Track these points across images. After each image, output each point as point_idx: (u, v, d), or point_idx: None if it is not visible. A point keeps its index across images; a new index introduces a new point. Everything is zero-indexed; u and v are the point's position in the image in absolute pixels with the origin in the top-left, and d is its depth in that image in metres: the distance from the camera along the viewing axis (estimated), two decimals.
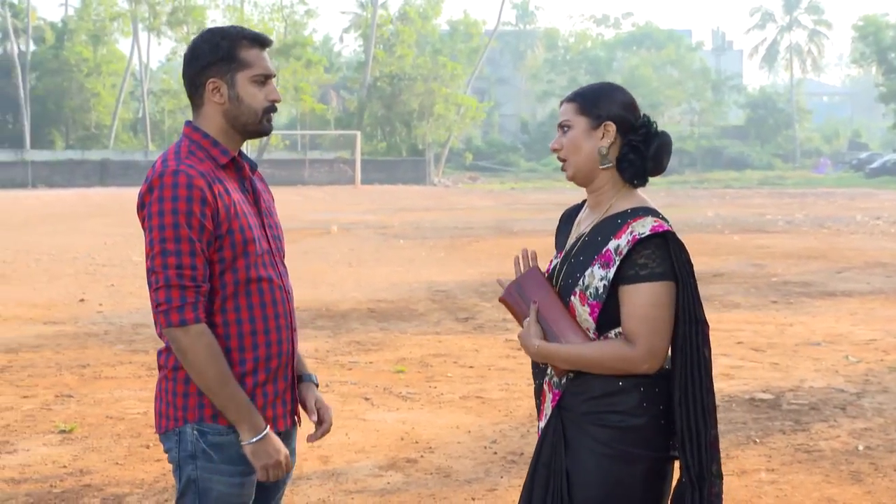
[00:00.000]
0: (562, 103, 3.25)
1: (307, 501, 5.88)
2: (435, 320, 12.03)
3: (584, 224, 3.26)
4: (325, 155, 69.07)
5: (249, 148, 65.03)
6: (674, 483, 3.16)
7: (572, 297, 3.11)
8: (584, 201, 3.35)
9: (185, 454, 3.11)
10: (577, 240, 3.22)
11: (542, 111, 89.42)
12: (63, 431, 7.23)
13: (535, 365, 3.30)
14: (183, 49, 72.89)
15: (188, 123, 3.21)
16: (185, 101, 69.62)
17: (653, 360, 3.02)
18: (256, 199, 3.25)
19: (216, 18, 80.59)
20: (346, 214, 32.33)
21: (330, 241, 22.74)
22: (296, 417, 3.32)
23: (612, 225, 3.11)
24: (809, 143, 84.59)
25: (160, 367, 3.17)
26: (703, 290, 14.12)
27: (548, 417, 3.20)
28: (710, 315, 11.76)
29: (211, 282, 3.07)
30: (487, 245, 21.57)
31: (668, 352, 3.06)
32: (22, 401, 8.20)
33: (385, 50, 72.56)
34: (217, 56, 3.13)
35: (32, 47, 72.57)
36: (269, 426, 3.10)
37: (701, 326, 3.07)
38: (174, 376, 3.12)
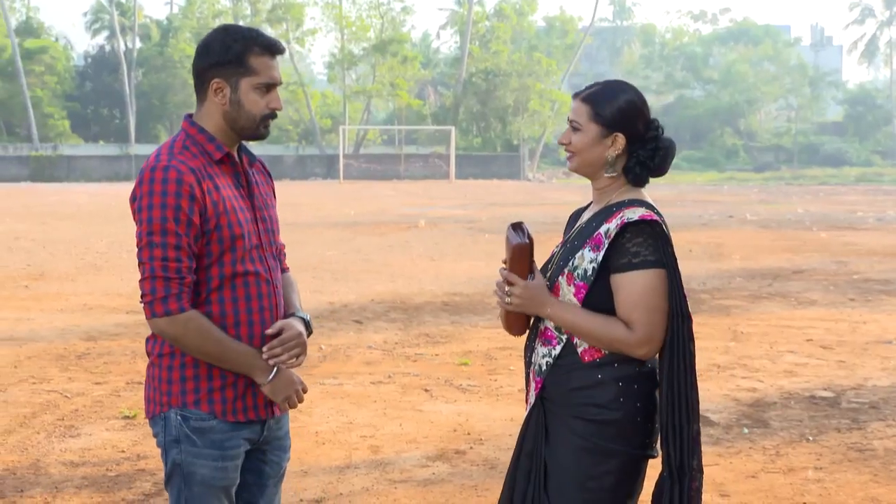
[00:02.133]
0: (575, 97, 3.29)
1: (351, 490, 5.99)
2: None
3: (585, 216, 3.34)
4: (420, 150, 69.43)
5: (346, 141, 65.68)
6: (650, 483, 3.21)
7: (560, 278, 3.18)
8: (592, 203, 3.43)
9: (171, 438, 3.23)
10: (576, 228, 3.30)
11: None
12: (126, 417, 7.46)
13: (525, 354, 3.36)
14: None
15: (187, 117, 3.31)
16: (285, 96, 70.57)
17: (649, 346, 3.08)
18: (251, 192, 3.35)
19: (315, 16, 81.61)
20: (436, 209, 32.48)
21: (416, 235, 22.88)
22: (277, 408, 3.39)
23: (606, 212, 3.19)
24: None
25: (147, 354, 3.31)
26: (781, 287, 14.07)
27: (530, 406, 3.26)
28: (783, 312, 11.78)
29: (197, 274, 3.18)
30: None
31: (663, 338, 3.10)
32: (94, 387, 8.46)
33: (481, 46, 72.68)
34: (226, 57, 3.21)
35: (138, 44, 74.21)
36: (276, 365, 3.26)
37: (687, 321, 3.11)
38: (159, 363, 3.25)
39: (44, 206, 33.94)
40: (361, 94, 72.76)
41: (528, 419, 3.27)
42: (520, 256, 3.19)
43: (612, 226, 3.10)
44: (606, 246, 3.09)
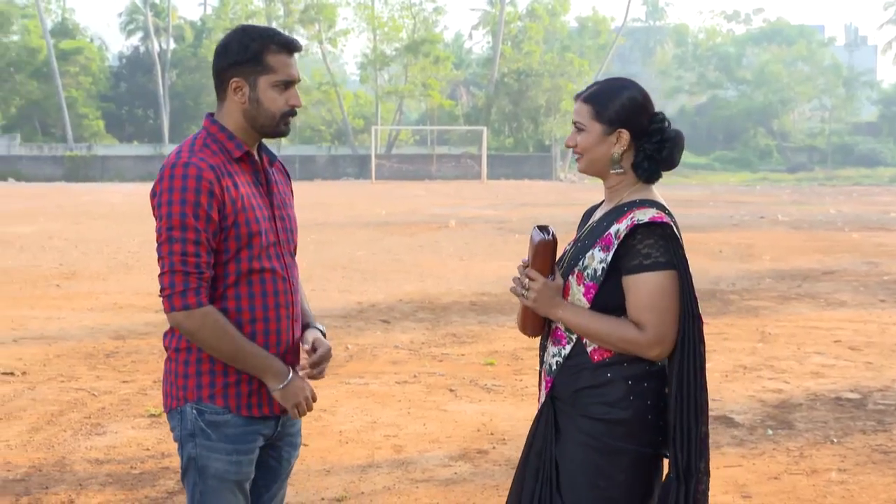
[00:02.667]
0: (576, 98, 3.31)
1: (373, 489, 6.01)
2: None
3: (598, 215, 3.34)
4: (452, 150, 69.51)
5: (379, 141, 65.88)
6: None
7: (570, 277, 3.18)
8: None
9: (186, 432, 3.26)
10: (587, 226, 3.31)
11: (670, 107, 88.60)
12: (152, 415, 7.51)
13: (539, 353, 3.37)
14: (315, 47, 74.51)
15: (208, 116, 3.35)
16: (315, 97, 70.98)
17: (661, 347, 3.07)
18: (270, 191, 3.38)
19: (347, 16, 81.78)
20: (467, 209, 32.49)
21: (446, 235, 22.91)
22: None
23: (618, 212, 3.19)
24: None
25: (165, 349, 3.34)
26: (811, 288, 13.99)
27: (541, 408, 3.26)
28: (812, 313, 11.70)
29: (215, 270, 3.21)
30: None
31: (676, 339, 3.08)
32: (121, 385, 8.53)
33: (513, 46, 72.74)
34: (244, 57, 3.25)
35: (172, 45, 74.74)
36: (291, 371, 3.29)
37: (698, 322, 3.11)
38: (176, 357, 3.28)
39: (77, 205, 34.20)
40: (394, 95, 72.95)
41: (538, 418, 3.28)
42: (543, 253, 3.19)
43: (622, 227, 3.10)
44: (616, 247, 3.09)
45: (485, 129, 63.90)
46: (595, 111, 3.21)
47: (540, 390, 3.33)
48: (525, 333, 3.35)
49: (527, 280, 3.20)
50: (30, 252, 19.02)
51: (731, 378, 8.71)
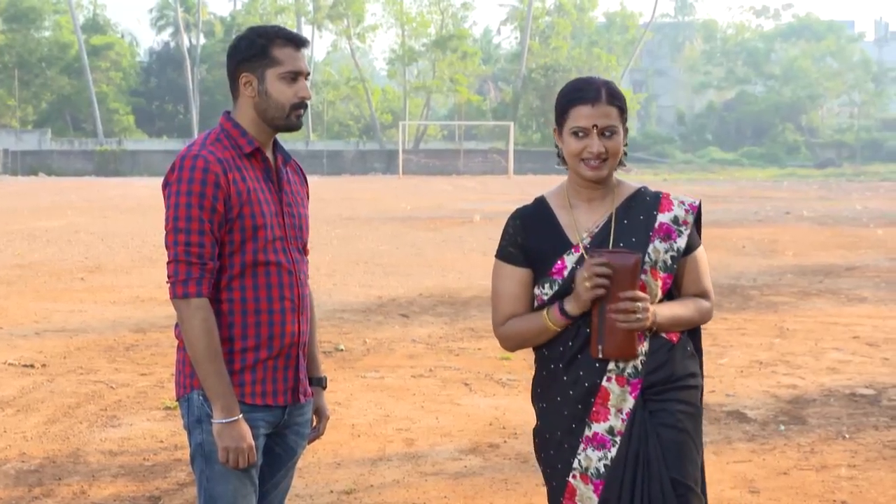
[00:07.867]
0: (592, 102, 3.14)
1: (382, 482, 6.05)
2: None
3: (590, 218, 3.26)
4: (480, 145, 69.57)
5: (407, 137, 66.07)
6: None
7: (643, 276, 3.16)
8: (537, 202, 3.43)
9: (193, 419, 3.32)
10: (604, 228, 3.23)
11: (699, 102, 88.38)
12: (168, 408, 7.58)
13: (588, 365, 3.24)
14: (344, 43, 74.66)
15: (224, 113, 3.45)
16: (344, 92, 71.18)
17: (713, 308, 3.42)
18: (280, 188, 3.44)
19: (375, 11, 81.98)
20: (493, 204, 32.47)
21: (470, 230, 22.94)
22: (300, 395, 3.47)
23: (642, 203, 3.26)
24: None
25: (177, 338, 3.39)
26: (832, 284, 13.93)
27: (633, 412, 3.19)
28: (832, 309, 11.66)
29: (220, 261, 3.27)
30: None
31: None
32: (139, 378, 8.61)
33: (541, 42, 72.75)
34: (251, 52, 3.35)
35: (202, 41, 75.13)
36: (240, 415, 3.24)
37: None
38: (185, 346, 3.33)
39: (106, 199, 34.45)
40: (421, 90, 73.12)
41: (629, 429, 3.18)
42: (634, 272, 3.10)
43: (678, 213, 3.24)
44: (685, 233, 3.23)
45: (512, 124, 63.87)
46: (620, 112, 3.19)
47: (607, 401, 3.22)
48: (629, 357, 3.17)
49: (637, 304, 3.08)
50: (56, 245, 19.20)
51: (746, 374, 8.70)
